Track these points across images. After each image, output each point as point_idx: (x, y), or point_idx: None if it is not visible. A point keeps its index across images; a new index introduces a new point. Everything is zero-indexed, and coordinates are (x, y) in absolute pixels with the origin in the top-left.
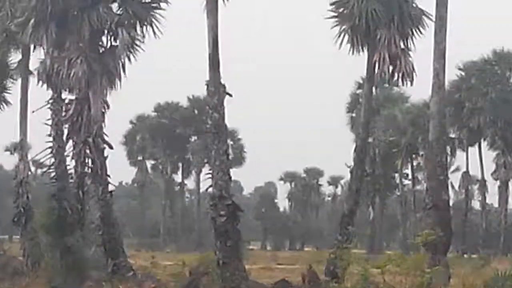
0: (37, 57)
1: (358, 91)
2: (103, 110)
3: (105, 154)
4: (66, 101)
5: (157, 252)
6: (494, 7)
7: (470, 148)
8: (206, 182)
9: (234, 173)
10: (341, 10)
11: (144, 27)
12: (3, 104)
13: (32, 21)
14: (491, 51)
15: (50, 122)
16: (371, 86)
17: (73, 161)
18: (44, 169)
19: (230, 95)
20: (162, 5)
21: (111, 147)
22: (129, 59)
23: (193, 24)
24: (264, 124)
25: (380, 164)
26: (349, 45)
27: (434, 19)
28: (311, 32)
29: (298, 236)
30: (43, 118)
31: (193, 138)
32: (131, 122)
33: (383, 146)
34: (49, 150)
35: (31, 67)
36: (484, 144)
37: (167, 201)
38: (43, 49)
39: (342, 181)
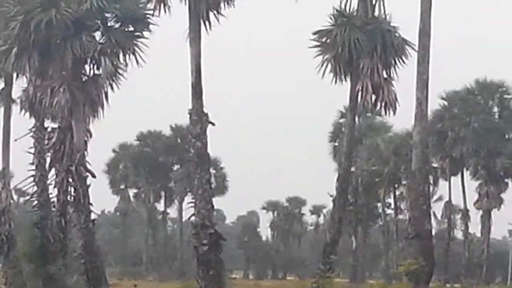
0: (19, 85)
1: (341, 120)
2: (86, 139)
3: (88, 183)
4: (49, 129)
5: (140, 281)
6: (476, 37)
7: (452, 178)
8: (188, 211)
9: (217, 202)
10: (324, 39)
11: (127, 56)
12: None
13: (15, 49)
14: (473, 81)
15: (32, 150)
16: (354, 115)
17: (56, 189)
18: (27, 198)
19: (213, 124)
20: (145, 33)
21: (93, 176)
22: (112, 88)
23: (176, 52)
24: (246, 153)
25: (363, 194)
26: (332, 74)
27: (417, 49)
28: (295, 59)
29: (280, 265)
30: (25, 146)
31: (176, 167)
32: (113, 150)
33: (366, 176)
34: (32, 179)
35: (13, 96)
36: (466, 174)
37: (150, 229)
38: (26, 77)
39: (324, 210)
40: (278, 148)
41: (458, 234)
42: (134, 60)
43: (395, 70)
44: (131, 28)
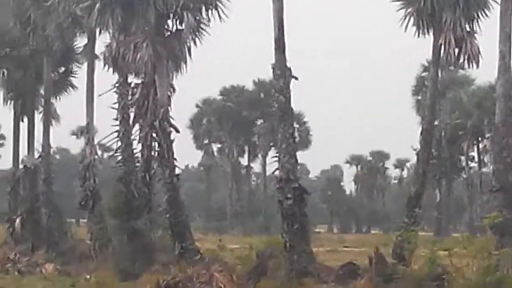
0: (103, 41)
1: (424, 74)
2: (169, 94)
3: (172, 138)
4: (132, 85)
5: (224, 235)
6: None
7: None
8: (272, 165)
9: (300, 156)
10: None
11: (210, 11)
12: (70, 88)
13: (98, 5)
14: None
15: (116, 106)
16: (437, 68)
17: (140, 144)
18: (111, 153)
19: (296, 78)
20: None
21: (177, 131)
22: (195, 43)
23: (259, 6)
24: (329, 108)
25: (446, 147)
26: (414, 27)
27: (499, 2)
28: (377, 12)
29: (364, 219)
30: (109, 102)
31: (259, 122)
32: (197, 105)
33: (449, 129)
34: (116, 134)
35: (97, 51)
36: None
37: (234, 184)
38: (109, 33)
39: (408, 164)
40: (361, 102)
41: None
42: (217, 15)
43: (477, 23)
44: None
